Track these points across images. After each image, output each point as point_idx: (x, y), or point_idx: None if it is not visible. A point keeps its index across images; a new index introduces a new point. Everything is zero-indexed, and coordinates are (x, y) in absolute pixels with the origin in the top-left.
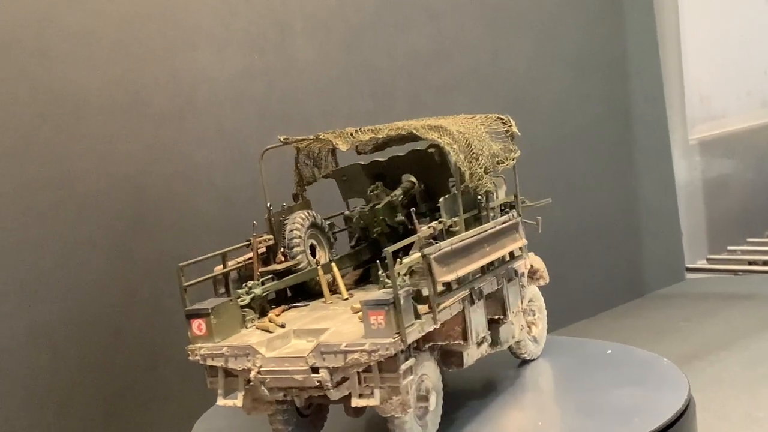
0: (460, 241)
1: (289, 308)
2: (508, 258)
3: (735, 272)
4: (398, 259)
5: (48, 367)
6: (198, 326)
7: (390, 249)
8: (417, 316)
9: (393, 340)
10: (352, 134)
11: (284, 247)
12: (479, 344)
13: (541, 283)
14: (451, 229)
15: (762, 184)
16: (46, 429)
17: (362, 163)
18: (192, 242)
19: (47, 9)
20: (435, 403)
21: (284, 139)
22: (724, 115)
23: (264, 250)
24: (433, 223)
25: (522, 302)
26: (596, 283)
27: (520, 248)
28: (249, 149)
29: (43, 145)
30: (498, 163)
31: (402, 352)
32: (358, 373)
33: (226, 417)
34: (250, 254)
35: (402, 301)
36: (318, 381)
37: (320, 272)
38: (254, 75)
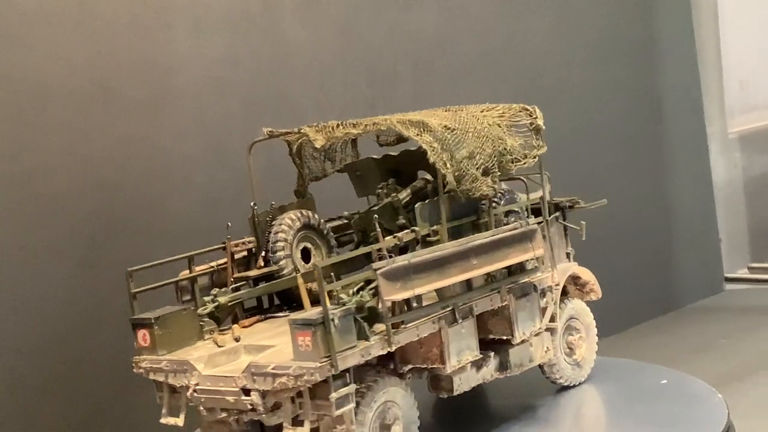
0: (430, 254)
1: (265, 318)
2: (518, 270)
3: None
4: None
5: (4, 390)
6: (143, 337)
7: (321, 263)
8: (364, 337)
9: (320, 364)
10: (333, 128)
11: (266, 251)
12: (479, 368)
13: (592, 297)
14: (428, 239)
15: None
16: None
17: (375, 157)
18: (169, 247)
19: None
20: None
21: (269, 132)
22: (767, 105)
23: (245, 253)
24: (403, 233)
25: (542, 321)
26: (624, 295)
27: (536, 259)
28: (232, 143)
29: (1, 139)
30: (513, 161)
31: (337, 377)
32: (292, 398)
33: None
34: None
35: (337, 322)
36: (250, 404)
37: (299, 280)
38: (238, 60)
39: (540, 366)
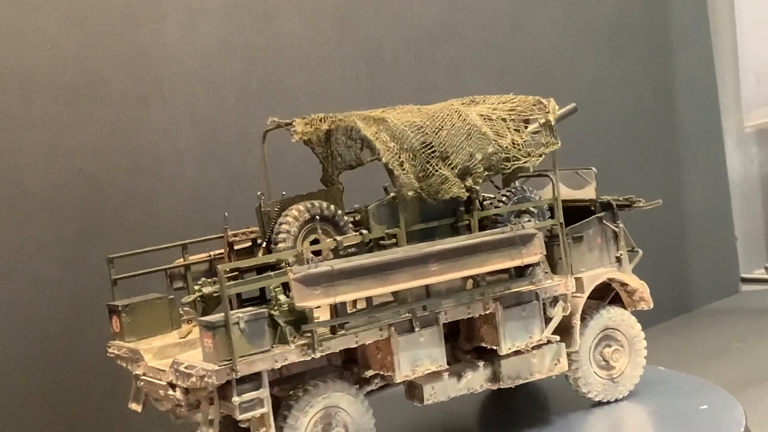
0: (359, 261)
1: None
2: (511, 277)
3: None
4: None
5: None
6: (115, 323)
7: (223, 266)
8: (284, 341)
9: (218, 367)
10: (311, 122)
11: (268, 242)
12: (459, 377)
13: (643, 306)
14: (382, 242)
15: None
16: None
17: None
18: (158, 245)
19: None
20: None
21: (272, 121)
22: None
23: (249, 243)
24: (350, 235)
25: (546, 331)
26: None
27: (534, 266)
28: (225, 137)
29: None
30: (510, 159)
31: (244, 381)
32: (211, 397)
33: None
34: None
35: (242, 325)
36: (175, 399)
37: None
38: (231, 51)
39: (566, 377)
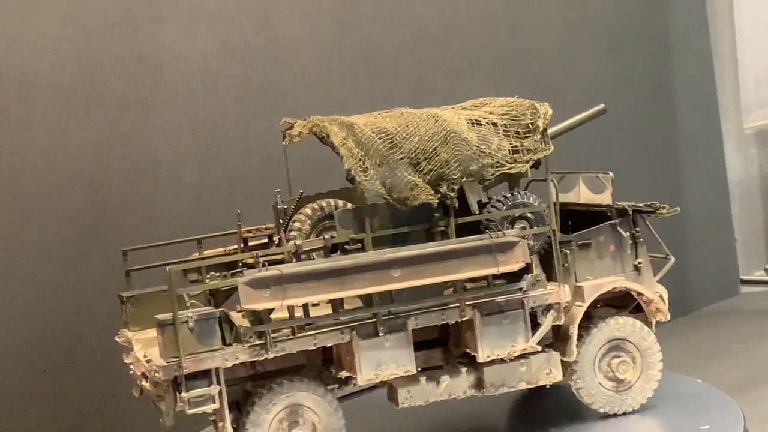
0: (309, 266)
1: None
2: (492, 284)
3: None
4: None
5: None
6: (123, 313)
7: (173, 267)
8: (239, 340)
9: (165, 363)
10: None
11: (280, 239)
12: (438, 383)
13: (660, 318)
14: (347, 246)
15: None
16: None
17: None
18: (158, 249)
19: None
20: None
21: (285, 122)
22: None
23: (265, 240)
24: (312, 240)
25: (532, 340)
26: None
27: (523, 272)
28: (225, 140)
29: None
30: (493, 165)
31: (195, 377)
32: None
33: None
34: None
35: (191, 324)
36: (148, 389)
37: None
38: (231, 54)
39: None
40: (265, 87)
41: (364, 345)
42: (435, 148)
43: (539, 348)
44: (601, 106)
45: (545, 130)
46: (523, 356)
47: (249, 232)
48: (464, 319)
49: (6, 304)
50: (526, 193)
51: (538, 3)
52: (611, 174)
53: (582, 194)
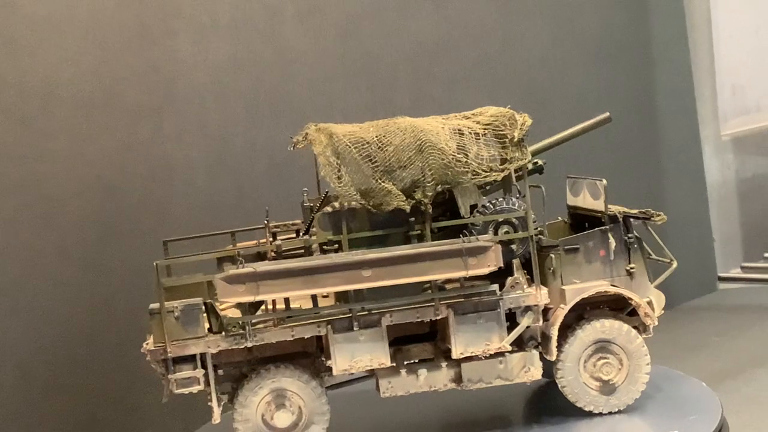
0: (281, 265)
1: None
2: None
3: None
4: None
5: (13, 388)
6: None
7: (159, 262)
8: (223, 330)
9: (153, 347)
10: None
11: (307, 234)
12: (418, 375)
13: (647, 322)
14: (325, 247)
15: None
16: None
17: None
18: (172, 249)
19: None
20: (290, 419)
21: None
22: (760, 108)
23: (293, 234)
24: (292, 239)
25: (506, 339)
26: None
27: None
28: (234, 147)
29: (7, 142)
30: (470, 174)
31: (182, 361)
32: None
33: None
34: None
35: (177, 314)
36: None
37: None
38: (240, 66)
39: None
40: (272, 97)
41: (339, 338)
42: (410, 157)
43: (509, 348)
44: (606, 114)
45: (522, 140)
46: (501, 354)
47: (277, 227)
48: (439, 317)
49: (29, 301)
50: (512, 199)
51: (528, 19)
52: (605, 181)
53: (586, 199)
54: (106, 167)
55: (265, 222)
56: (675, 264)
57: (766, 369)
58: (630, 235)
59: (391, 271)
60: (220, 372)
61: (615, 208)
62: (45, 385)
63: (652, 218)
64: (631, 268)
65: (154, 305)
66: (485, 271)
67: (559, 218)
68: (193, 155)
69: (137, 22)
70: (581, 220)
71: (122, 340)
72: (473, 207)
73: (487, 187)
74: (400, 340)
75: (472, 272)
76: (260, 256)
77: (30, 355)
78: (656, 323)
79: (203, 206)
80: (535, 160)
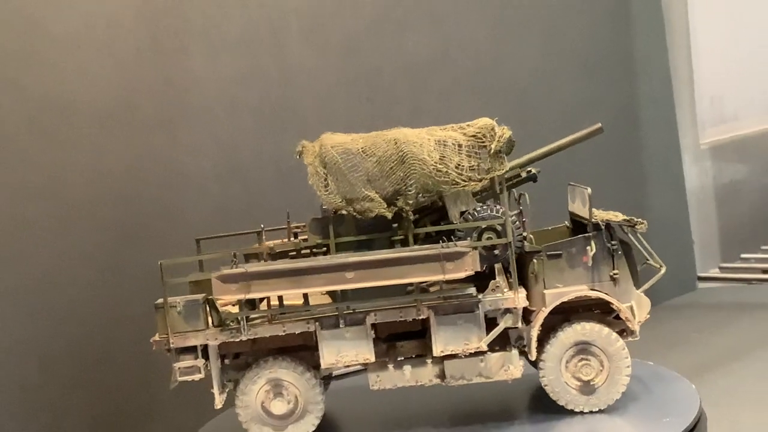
0: (270, 266)
1: None
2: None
3: (748, 281)
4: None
5: (37, 382)
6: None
7: (164, 262)
8: (221, 324)
9: (158, 338)
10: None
11: None
12: (403, 371)
13: (629, 327)
14: (315, 250)
15: None
16: None
17: None
18: (186, 253)
19: (33, 13)
20: (286, 407)
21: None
22: (737, 118)
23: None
24: (287, 242)
25: (484, 340)
26: None
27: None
28: (244, 157)
29: (30, 152)
30: (450, 183)
31: (184, 351)
32: None
33: None
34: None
35: (180, 309)
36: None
37: None
38: (249, 80)
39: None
40: (278, 109)
41: (327, 335)
42: (392, 167)
43: (485, 347)
44: (598, 125)
45: (500, 151)
46: (482, 353)
47: (298, 227)
48: (420, 317)
49: (52, 302)
50: (495, 207)
51: (519, 34)
52: (589, 190)
53: (578, 206)
54: (123, 176)
55: (287, 222)
56: (664, 269)
57: (742, 363)
58: (613, 242)
59: (372, 274)
60: (227, 362)
61: (607, 215)
62: (67, 380)
63: (635, 226)
64: (615, 274)
65: (159, 301)
66: (462, 275)
67: (565, 223)
68: (205, 164)
69: (152, 39)
70: (579, 226)
71: (138, 337)
72: (464, 213)
73: (483, 194)
74: (397, 337)
75: (449, 276)
76: (277, 255)
77: (53, 352)
78: (636, 327)
79: (214, 212)
80: (529, 169)
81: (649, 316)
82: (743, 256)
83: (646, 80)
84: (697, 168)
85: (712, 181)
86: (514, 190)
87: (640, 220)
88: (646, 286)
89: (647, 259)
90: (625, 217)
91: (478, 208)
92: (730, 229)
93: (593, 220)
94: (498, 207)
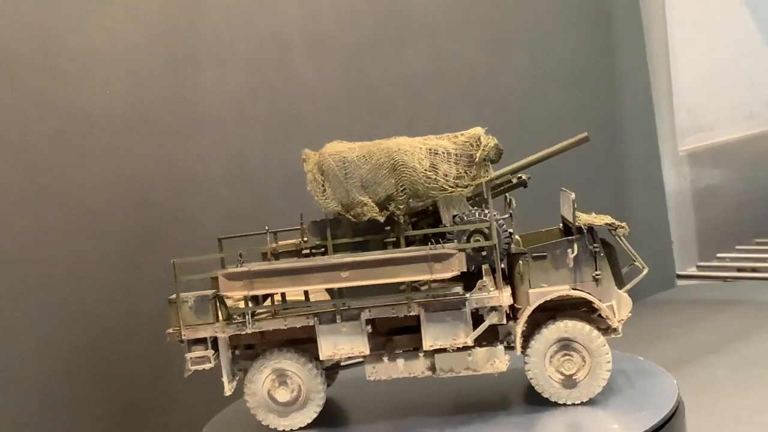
0: (269, 266)
1: None
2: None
3: (724, 279)
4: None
5: (61, 377)
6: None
7: (176, 260)
8: (229, 318)
9: (171, 330)
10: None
11: None
12: (396, 363)
13: (610, 324)
14: (314, 251)
15: (749, 194)
16: None
17: None
18: (196, 255)
19: (57, 32)
20: (289, 395)
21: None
22: (712, 127)
23: None
24: (287, 242)
25: (471, 335)
26: None
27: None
28: (252, 165)
29: (55, 161)
30: (438, 189)
31: (196, 343)
32: None
33: (232, 423)
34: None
35: (191, 303)
36: None
37: None
38: (256, 94)
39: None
40: (284, 120)
41: (324, 329)
42: (384, 175)
43: (471, 343)
44: (585, 134)
45: (484, 159)
46: (470, 347)
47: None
48: (411, 314)
49: (74, 301)
50: (483, 211)
51: (509, 50)
52: (573, 195)
53: (566, 210)
54: (140, 183)
55: (301, 224)
56: (646, 271)
57: (718, 355)
58: (595, 244)
59: (365, 273)
60: (237, 352)
61: (592, 218)
62: (88, 375)
63: (616, 229)
64: (597, 275)
65: (173, 296)
66: (449, 275)
67: (559, 225)
68: (216, 172)
69: (167, 56)
70: (568, 228)
71: (154, 334)
72: (455, 217)
73: (476, 199)
74: (398, 331)
75: (436, 276)
76: (296, 253)
77: (75, 349)
78: (615, 325)
79: (225, 216)
80: (520, 175)
81: (630, 314)
82: (719, 255)
83: (628, 93)
84: (675, 173)
85: (690, 186)
86: (507, 194)
87: (621, 224)
88: (629, 285)
89: (634, 261)
90: (608, 221)
91: (466, 213)
92: (706, 230)
93: (576, 224)
94: (485, 211)
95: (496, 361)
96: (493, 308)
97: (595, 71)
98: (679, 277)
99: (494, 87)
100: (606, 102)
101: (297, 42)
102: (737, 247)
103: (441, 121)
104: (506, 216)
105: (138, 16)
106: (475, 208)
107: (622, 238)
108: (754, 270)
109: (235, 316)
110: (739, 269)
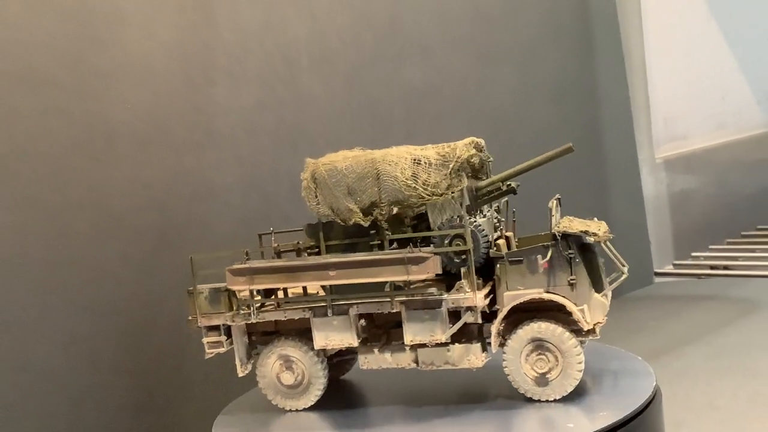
0: (268, 263)
1: None
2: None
3: (698, 276)
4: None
5: (86, 370)
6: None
7: (194, 256)
8: (238, 309)
9: (190, 318)
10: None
11: None
12: (384, 355)
13: (581, 326)
14: (308, 251)
15: (721, 197)
16: (84, 424)
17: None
18: (213, 258)
19: (82, 52)
20: (293, 379)
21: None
22: (686, 137)
23: None
24: (289, 243)
25: (446, 333)
26: None
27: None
28: (263, 174)
29: (79, 171)
30: (417, 197)
31: (211, 329)
32: None
33: (244, 410)
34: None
35: (206, 294)
36: None
37: None
38: (266, 108)
39: None
40: (292, 132)
41: (318, 322)
42: (368, 183)
43: (445, 339)
44: (569, 145)
45: (458, 169)
46: (448, 343)
47: None
48: (394, 311)
49: (98, 299)
50: (464, 217)
51: (498, 66)
52: (551, 203)
53: (554, 217)
54: (158, 190)
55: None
56: (626, 275)
57: (693, 346)
58: (570, 251)
59: (350, 273)
60: (254, 338)
61: (574, 224)
62: (111, 368)
63: (591, 237)
64: (572, 280)
65: (191, 288)
66: (423, 276)
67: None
68: (229, 180)
69: (183, 73)
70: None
71: (172, 330)
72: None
73: (478, 202)
74: (395, 325)
75: (412, 277)
76: (281, 254)
77: (99, 343)
78: (587, 327)
79: (238, 221)
80: (509, 183)
81: (606, 318)
82: (694, 254)
83: (609, 106)
84: (652, 179)
85: (666, 191)
86: (501, 201)
87: (594, 231)
88: (609, 288)
89: (624, 265)
90: (581, 229)
91: (453, 218)
92: (682, 231)
93: (553, 230)
94: (467, 217)
95: (472, 357)
96: (469, 308)
97: (578, 86)
98: (657, 274)
99: (484, 101)
100: (588, 114)
101: (303, 60)
102: (710, 246)
103: (436, 132)
104: (495, 221)
105: (156, 37)
106: (456, 215)
107: (603, 243)
108: (726, 268)
109: (243, 307)
110: (712, 267)
